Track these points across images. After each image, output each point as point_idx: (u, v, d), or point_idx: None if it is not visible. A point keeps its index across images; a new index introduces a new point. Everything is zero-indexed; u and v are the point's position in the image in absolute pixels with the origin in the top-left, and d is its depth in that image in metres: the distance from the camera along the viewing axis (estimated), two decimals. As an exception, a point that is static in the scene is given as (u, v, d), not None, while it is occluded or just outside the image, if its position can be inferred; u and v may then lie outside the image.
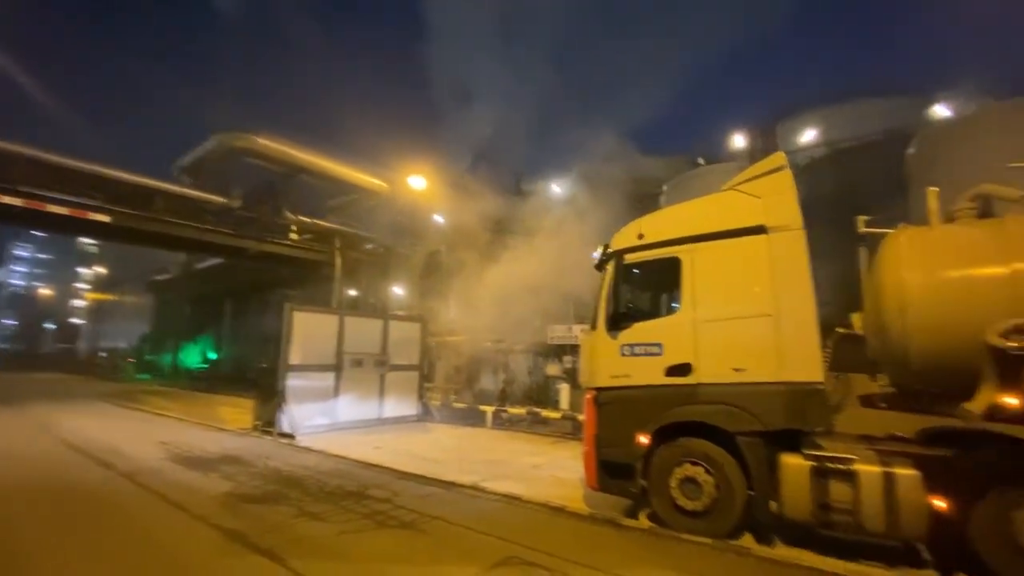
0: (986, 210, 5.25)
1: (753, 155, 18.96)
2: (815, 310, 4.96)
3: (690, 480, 5.10)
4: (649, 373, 5.48)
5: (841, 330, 5.94)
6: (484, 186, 17.63)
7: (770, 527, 4.99)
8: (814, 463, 4.60)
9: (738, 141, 22.29)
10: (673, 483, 5.17)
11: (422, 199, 18.90)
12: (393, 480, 7.25)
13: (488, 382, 17.11)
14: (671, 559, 4.54)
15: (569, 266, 11.44)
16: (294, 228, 21.85)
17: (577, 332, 13.88)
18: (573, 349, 14.67)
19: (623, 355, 5.68)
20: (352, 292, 22.40)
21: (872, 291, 5.30)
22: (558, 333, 15.18)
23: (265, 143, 20.38)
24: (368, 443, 10.24)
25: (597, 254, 6.34)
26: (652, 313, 5.97)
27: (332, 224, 22.66)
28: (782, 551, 4.77)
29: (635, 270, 6.01)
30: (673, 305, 5.75)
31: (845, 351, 5.87)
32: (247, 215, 20.91)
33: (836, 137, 21.08)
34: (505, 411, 13.53)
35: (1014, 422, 4.51)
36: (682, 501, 5.10)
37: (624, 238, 6.06)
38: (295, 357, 11.28)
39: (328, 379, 11.96)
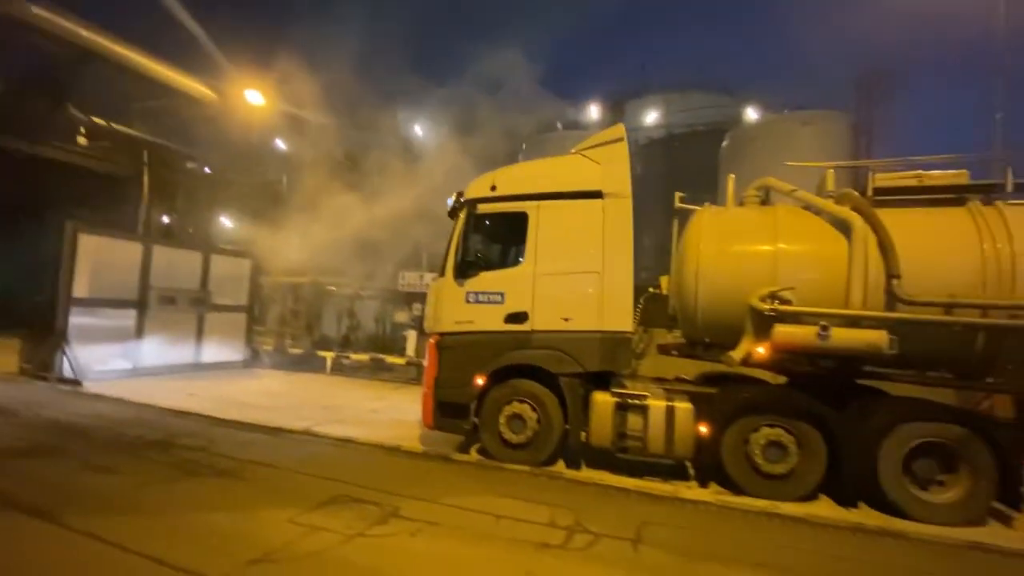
0: (767, 199, 6.43)
1: (604, 127, 20.38)
2: (632, 271, 5.65)
3: (517, 416, 5.60)
4: (490, 320, 5.76)
5: (652, 290, 6.91)
6: (339, 115, 16.11)
7: (579, 454, 5.76)
8: (618, 399, 5.38)
9: (593, 112, 23.70)
10: (502, 419, 5.62)
11: (262, 118, 16.54)
12: (209, 428, 6.62)
13: (331, 328, 16.29)
14: (494, 485, 4.99)
15: (424, 210, 11.23)
16: (84, 131, 17.50)
17: (428, 280, 13.86)
18: (423, 297, 14.66)
19: (468, 302, 5.86)
20: (166, 219, 19.03)
21: (678, 258, 6.22)
22: (409, 280, 14.97)
23: (37, 11, 15.62)
24: (181, 389, 9.12)
25: (451, 201, 6.32)
26: (498, 263, 6.21)
27: (138, 133, 18.60)
28: (587, 473, 5.55)
29: (486, 221, 6.15)
30: (520, 259, 6.03)
31: (652, 308, 6.87)
32: (12, 106, 16.10)
33: (673, 122, 23.78)
34: (347, 357, 13.11)
35: (762, 367, 5.82)
36: (508, 435, 5.59)
37: (478, 188, 6.12)
38: (82, 289, 9.36)
39: (128, 317, 10.22)
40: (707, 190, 11.44)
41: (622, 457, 5.53)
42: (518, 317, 5.68)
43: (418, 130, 19.71)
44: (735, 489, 5.13)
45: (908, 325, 4.78)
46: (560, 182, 5.88)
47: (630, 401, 5.38)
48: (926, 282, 4.79)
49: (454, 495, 4.56)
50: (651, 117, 24.53)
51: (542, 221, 5.78)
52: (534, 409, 5.59)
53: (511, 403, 5.65)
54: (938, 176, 5.36)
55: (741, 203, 6.44)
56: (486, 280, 5.86)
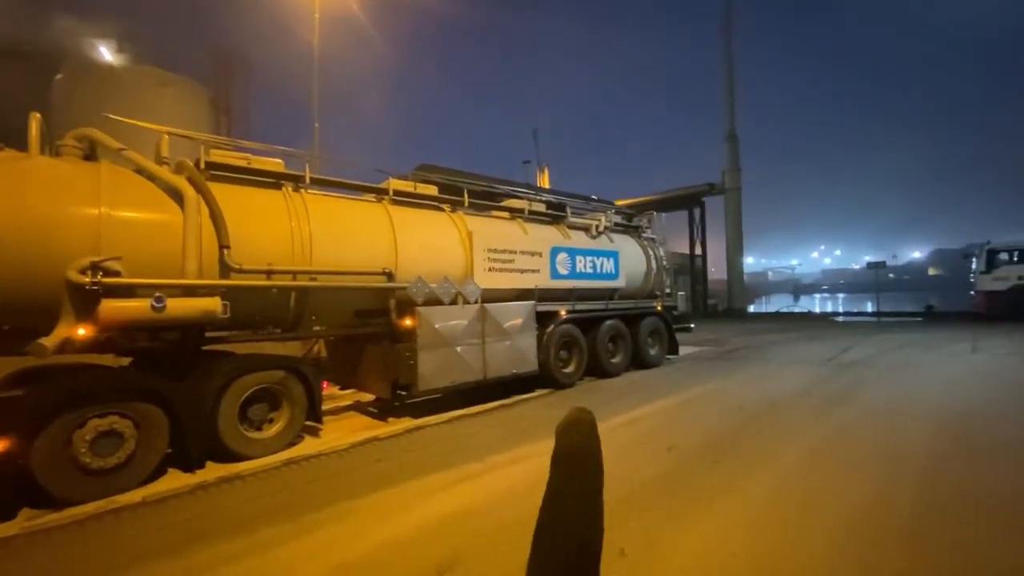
0: (92, 153, 5.45)
1: None
2: None
3: None
4: None
5: None
6: None
7: None
8: None
9: None
10: None
11: None
12: None
13: None
14: None
15: None
16: None
17: None
18: None
19: None
20: None
21: (-58, 216, 4.30)
22: None
23: None
24: None
25: None
26: None
27: None
28: None
29: None
30: None
31: None
32: None
33: (-31, 23, 16.49)
34: None
35: (96, 351, 5.00)
36: None
37: None
38: None
39: None
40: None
41: None
42: None
43: None
44: (58, 505, 4.19)
45: (238, 290, 5.36)
46: None
47: None
48: (251, 252, 5.50)
49: None
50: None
51: None
52: None
53: None
54: (262, 161, 6.23)
55: (57, 153, 5.19)
56: None
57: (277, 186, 6.22)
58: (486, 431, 6.35)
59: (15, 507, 4.18)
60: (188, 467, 5.01)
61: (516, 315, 7.97)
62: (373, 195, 7.42)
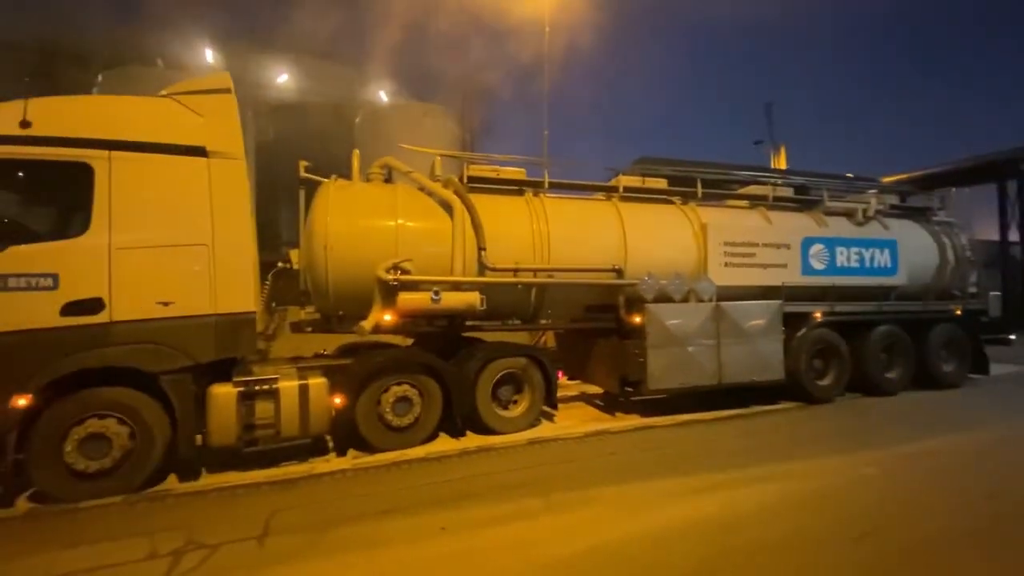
0: (390, 177, 6.88)
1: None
2: (252, 242, 5.09)
3: (95, 437, 4.26)
4: (35, 313, 4.12)
5: (281, 264, 6.45)
6: None
7: (195, 461, 4.90)
8: (242, 388, 4.80)
9: (207, 55, 19.93)
10: (69, 446, 4.18)
11: None
12: None
13: None
14: (60, 536, 3.68)
15: None
16: None
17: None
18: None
19: (-10, 291, 4.01)
20: None
21: (306, 232, 6.00)
22: None
23: None
24: None
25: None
26: (44, 233, 4.44)
27: None
28: (207, 480, 4.79)
29: (18, 171, 4.32)
30: (81, 228, 4.46)
31: (283, 284, 6.45)
32: None
33: (306, 88, 22.61)
34: None
35: (391, 333, 6.31)
36: (83, 464, 4.21)
37: (-3, 123, 4.18)
38: None
39: None
40: (346, 163, 11.45)
41: (251, 451, 5.03)
42: (86, 306, 4.26)
43: None
44: (371, 450, 5.45)
45: (491, 286, 6.10)
46: (144, 129, 4.61)
47: (257, 387, 4.88)
48: (501, 253, 6.19)
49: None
50: (281, 78, 22.64)
51: (117, 178, 4.42)
52: (124, 422, 4.38)
53: (84, 422, 4.25)
54: (507, 171, 6.95)
55: (368, 179, 6.70)
56: (22, 257, 4.13)
57: (520, 192, 6.87)
58: (724, 441, 5.89)
59: (346, 448, 5.59)
60: (454, 434, 5.95)
61: (757, 315, 7.16)
62: (603, 193, 7.57)
